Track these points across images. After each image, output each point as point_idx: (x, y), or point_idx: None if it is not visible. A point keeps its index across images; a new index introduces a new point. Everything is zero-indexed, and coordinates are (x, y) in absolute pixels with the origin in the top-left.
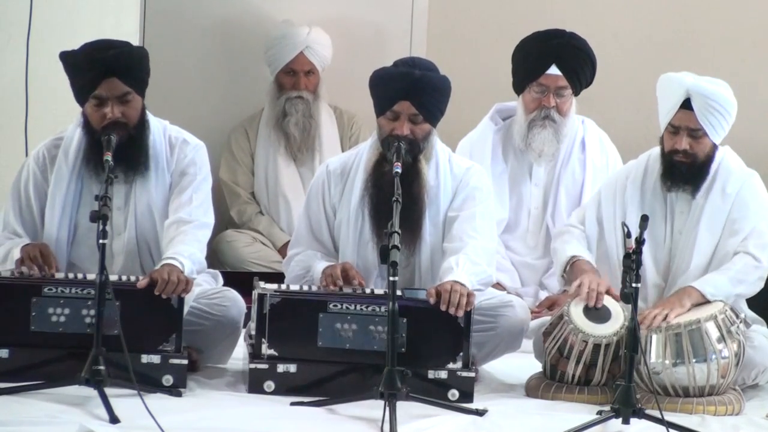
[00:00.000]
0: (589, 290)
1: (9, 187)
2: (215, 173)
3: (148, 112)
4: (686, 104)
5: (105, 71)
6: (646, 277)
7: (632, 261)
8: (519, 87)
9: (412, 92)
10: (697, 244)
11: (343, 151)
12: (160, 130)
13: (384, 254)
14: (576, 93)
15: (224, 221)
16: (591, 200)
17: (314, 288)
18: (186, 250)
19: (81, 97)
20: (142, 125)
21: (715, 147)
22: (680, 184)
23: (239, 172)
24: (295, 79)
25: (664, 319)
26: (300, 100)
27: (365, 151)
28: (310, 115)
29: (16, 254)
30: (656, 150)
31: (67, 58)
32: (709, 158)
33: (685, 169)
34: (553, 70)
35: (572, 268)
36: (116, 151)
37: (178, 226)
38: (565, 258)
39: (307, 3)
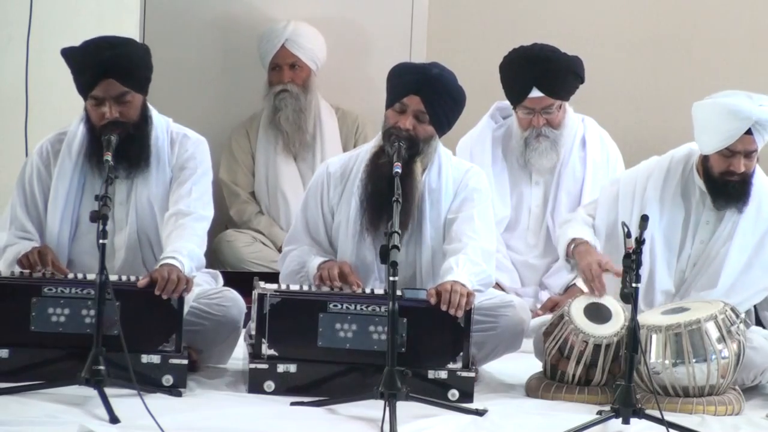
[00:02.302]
0: (587, 277)
1: (9, 187)
2: (215, 172)
3: (152, 108)
4: (747, 130)
5: (102, 73)
6: (655, 281)
7: (632, 261)
8: (510, 103)
9: (424, 87)
10: (728, 261)
11: (345, 151)
12: (163, 126)
13: (384, 254)
14: (566, 100)
15: (224, 220)
16: (605, 194)
17: (312, 287)
18: (185, 247)
19: (82, 93)
20: (144, 122)
21: (758, 159)
22: (734, 203)
23: (239, 173)
24: (280, 73)
25: None
26: (287, 94)
27: (368, 152)
28: (300, 110)
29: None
30: (679, 153)
31: (67, 55)
32: (754, 170)
33: (738, 187)
34: (535, 92)
35: (574, 251)
36: (117, 149)
37: (177, 219)
38: (566, 240)
39: (307, 2)
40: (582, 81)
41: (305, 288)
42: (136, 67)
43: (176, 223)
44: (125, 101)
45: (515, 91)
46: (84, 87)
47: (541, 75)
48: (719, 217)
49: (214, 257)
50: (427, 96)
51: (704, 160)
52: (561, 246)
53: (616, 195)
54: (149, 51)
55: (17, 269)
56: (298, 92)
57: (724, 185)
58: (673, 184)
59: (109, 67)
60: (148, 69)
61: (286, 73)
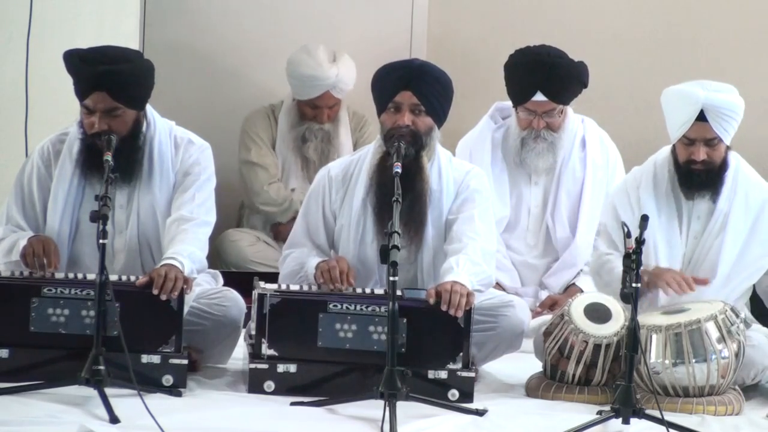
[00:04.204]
0: (674, 287)
1: (9, 186)
2: (224, 170)
3: (154, 113)
4: (700, 116)
5: (93, 85)
6: None
7: (632, 261)
8: (512, 102)
9: (412, 81)
10: (723, 252)
11: None
12: (166, 131)
13: (384, 254)
14: (568, 104)
15: (227, 220)
16: (606, 217)
17: (312, 288)
18: (186, 249)
19: (77, 98)
20: (135, 137)
21: (728, 149)
22: (701, 191)
23: (267, 155)
24: (318, 112)
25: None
26: (321, 130)
27: (368, 155)
28: (329, 141)
29: (22, 246)
30: (661, 154)
31: (67, 59)
32: (725, 161)
33: (704, 177)
34: (539, 96)
35: (647, 282)
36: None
37: (179, 224)
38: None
39: (308, 4)
40: (585, 87)
41: (305, 288)
42: (130, 85)
43: (178, 228)
44: (115, 115)
45: (519, 93)
46: (78, 94)
47: (546, 80)
48: (709, 210)
49: (217, 256)
50: (417, 88)
51: (672, 150)
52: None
53: (616, 214)
54: (152, 69)
55: (17, 271)
56: (330, 127)
57: (689, 174)
58: (663, 186)
59: (101, 81)
60: (145, 87)
61: (325, 113)
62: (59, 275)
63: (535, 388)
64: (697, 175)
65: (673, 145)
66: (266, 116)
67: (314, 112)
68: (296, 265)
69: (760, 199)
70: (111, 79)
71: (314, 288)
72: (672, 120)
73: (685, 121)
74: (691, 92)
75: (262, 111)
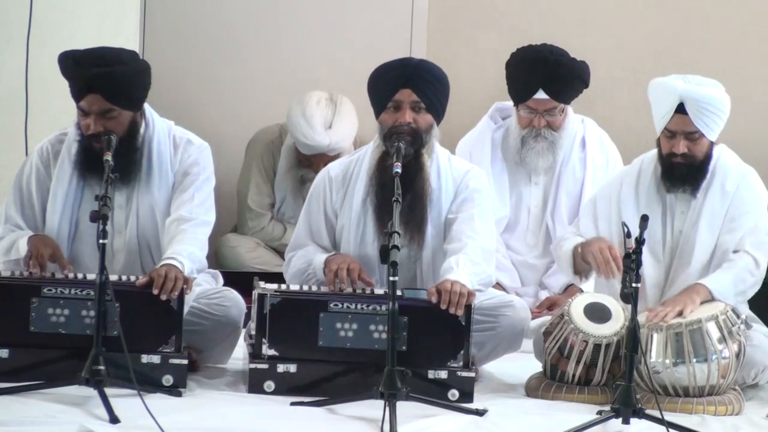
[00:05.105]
0: (598, 260)
1: (9, 185)
2: (224, 173)
3: (153, 113)
4: (680, 109)
5: (87, 87)
6: (645, 277)
7: (632, 261)
8: (513, 100)
9: (412, 79)
10: (697, 242)
11: None
12: (164, 131)
13: (384, 254)
14: (568, 103)
15: (227, 224)
16: (585, 209)
17: (315, 288)
18: (185, 249)
19: (73, 99)
20: (132, 137)
21: (712, 145)
22: (680, 185)
23: (264, 198)
24: (315, 164)
25: (679, 314)
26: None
27: (367, 155)
28: None
29: (22, 245)
30: (650, 153)
31: (61, 61)
32: (708, 157)
33: (684, 170)
34: (541, 94)
35: (582, 250)
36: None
37: (178, 224)
38: (569, 252)
39: (307, 3)
40: (587, 86)
41: (305, 288)
42: (124, 86)
43: (178, 228)
44: (111, 117)
45: (520, 91)
46: (73, 96)
47: (548, 78)
48: (689, 204)
49: (215, 261)
50: (417, 85)
51: (657, 143)
52: (565, 261)
53: (594, 207)
54: (147, 69)
55: (17, 271)
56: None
57: (671, 167)
58: (647, 183)
59: (95, 84)
60: (140, 88)
61: (320, 165)
62: (59, 275)
63: (535, 388)
64: (678, 168)
65: (658, 139)
66: (270, 143)
67: (311, 164)
68: (303, 263)
69: (736, 184)
70: (105, 82)
71: (323, 288)
72: (655, 112)
73: (665, 113)
74: (672, 84)
75: (268, 136)
